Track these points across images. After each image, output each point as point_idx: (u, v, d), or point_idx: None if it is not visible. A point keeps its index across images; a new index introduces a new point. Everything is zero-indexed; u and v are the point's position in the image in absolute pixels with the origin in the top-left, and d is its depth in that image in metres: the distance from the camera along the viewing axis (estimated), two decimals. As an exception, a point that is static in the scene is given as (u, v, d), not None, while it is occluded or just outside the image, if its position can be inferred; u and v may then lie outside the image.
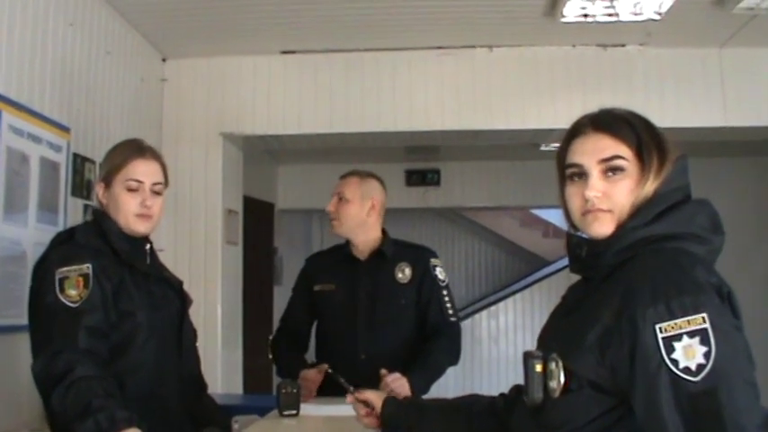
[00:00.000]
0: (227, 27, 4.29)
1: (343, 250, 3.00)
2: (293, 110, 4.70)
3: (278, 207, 7.69)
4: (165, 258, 2.39)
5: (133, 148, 2.17)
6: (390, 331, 2.88)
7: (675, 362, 1.24)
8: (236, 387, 5.00)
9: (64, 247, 2.06)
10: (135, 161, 2.13)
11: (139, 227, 2.13)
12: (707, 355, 1.23)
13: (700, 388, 1.22)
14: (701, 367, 1.23)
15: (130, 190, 2.11)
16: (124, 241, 2.11)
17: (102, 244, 2.07)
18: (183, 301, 2.27)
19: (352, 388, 1.95)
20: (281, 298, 6.15)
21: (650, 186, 1.42)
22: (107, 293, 1.99)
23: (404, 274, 2.94)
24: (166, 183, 2.23)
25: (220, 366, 4.62)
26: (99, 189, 2.17)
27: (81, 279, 1.95)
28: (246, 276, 5.35)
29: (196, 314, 2.35)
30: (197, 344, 2.35)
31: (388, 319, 2.88)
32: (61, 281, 1.95)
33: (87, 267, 1.97)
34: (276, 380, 2.82)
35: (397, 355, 2.81)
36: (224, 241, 4.75)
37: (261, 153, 6.61)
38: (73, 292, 1.93)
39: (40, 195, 3.13)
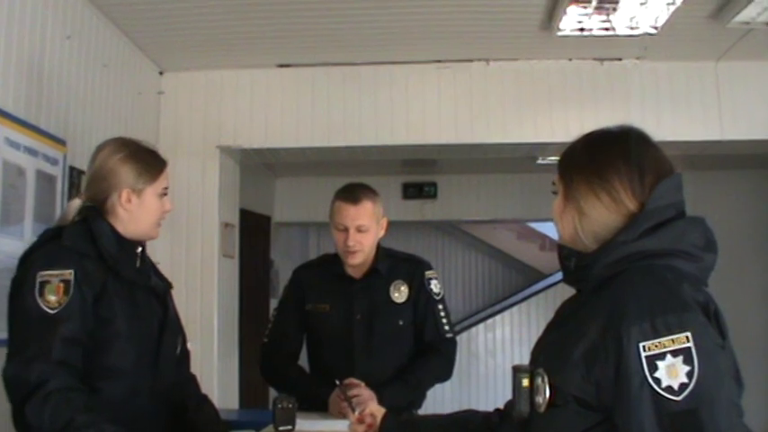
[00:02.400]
0: (224, 40, 4.29)
1: (335, 267, 2.85)
2: (290, 123, 4.70)
3: (274, 220, 7.69)
4: (161, 271, 2.36)
5: (160, 158, 2.21)
6: (388, 354, 2.79)
7: (658, 380, 1.25)
8: (233, 399, 4.98)
9: (49, 248, 2.01)
10: (166, 170, 2.20)
11: (156, 233, 2.19)
12: (690, 375, 1.24)
13: (682, 407, 1.23)
14: (683, 386, 1.24)
15: (162, 196, 2.17)
16: (115, 245, 2.06)
17: (90, 248, 2.02)
18: (166, 309, 2.19)
19: (356, 409, 1.93)
20: (277, 311, 6.13)
21: (630, 203, 1.42)
22: (87, 301, 1.95)
23: (400, 293, 2.83)
24: None
25: (217, 379, 4.60)
26: (125, 195, 2.10)
27: (62, 285, 1.91)
28: (243, 289, 5.34)
29: (193, 327, 2.33)
30: (191, 359, 2.31)
31: (385, 342, 2.79)
32: (42, 285, 1.91)
33: (69, 273, 1.93)
34: (272, 394, 2.78)
35: None
36: (220, 254, 4.74)
37: (258, 166, 6.61)
38: (52, 298, 1.90)
39: (36, 208, 3.11)
